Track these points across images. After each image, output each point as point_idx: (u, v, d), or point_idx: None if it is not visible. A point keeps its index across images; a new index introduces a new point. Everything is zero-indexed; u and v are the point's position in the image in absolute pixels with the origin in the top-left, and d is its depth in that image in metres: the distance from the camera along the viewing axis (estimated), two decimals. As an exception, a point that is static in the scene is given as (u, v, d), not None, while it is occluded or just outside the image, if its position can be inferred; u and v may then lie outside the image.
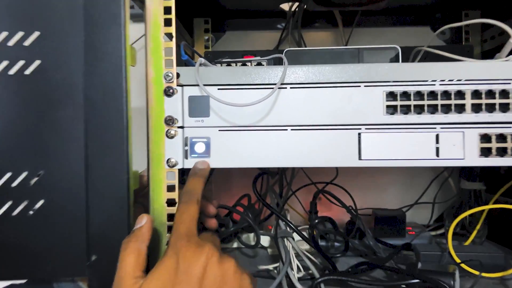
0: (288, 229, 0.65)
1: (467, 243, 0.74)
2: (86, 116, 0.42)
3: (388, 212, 0.77)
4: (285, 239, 0.64)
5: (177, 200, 0.47)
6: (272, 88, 0.46)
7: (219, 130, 0.48)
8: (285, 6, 0.82)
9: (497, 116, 0.47)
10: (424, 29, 0.89)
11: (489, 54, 0.82)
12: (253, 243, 0.75)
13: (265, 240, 0.79)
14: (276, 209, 0.77)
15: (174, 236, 0.39)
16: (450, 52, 0.53)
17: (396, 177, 0.86)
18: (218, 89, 0.48)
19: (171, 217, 0.48)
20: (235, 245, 0.79)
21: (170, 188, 0.47)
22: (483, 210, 0.72)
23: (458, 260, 0.61)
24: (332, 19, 0.84)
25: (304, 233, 0.77)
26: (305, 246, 0.70)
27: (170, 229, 0.48)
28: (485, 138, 0.47)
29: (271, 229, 0.79)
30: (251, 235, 0.77)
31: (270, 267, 0.64)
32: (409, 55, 0.63)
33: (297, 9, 0.80)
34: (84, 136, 0.41)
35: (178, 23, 0.70)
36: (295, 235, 0.65)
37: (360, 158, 0.47)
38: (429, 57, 0.56)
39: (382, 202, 0.84)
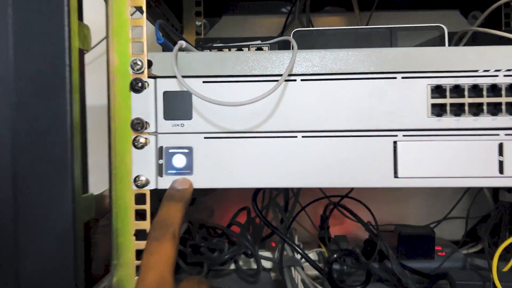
0: (295, 254, 0.53)
1: (506, 268, 0.61)
2: (15, 121, 0.29)
3: (414, 229, 0.65)
4: (292, 268, 0.52)
5: (148, 231, 0.35)
6: (277, 80, 0.34)
7: (205, 138, 0.35)
8: (291, -14, 0.70)
9: None
10: (452, 12, 0.76)
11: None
12: (253, 266, 0.63)
13: (268, 262, 0.67)
14: (280, 229, 0.65)
15: None
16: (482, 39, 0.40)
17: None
18: (204, 82, 0.35)
19: (140, 254, 0.36)
20: (232, 266, 0.67)
21: (140, 215, 0.35)
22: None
23: (506, 295, 0.48)
24: (346, 1, 0.72)
25: (313, 254, 0.65)
26: (315, 271, 0.58)
27: (138, 268, 0.36)
28: None
29: (275, 247, 0.67)
30: (252, 261, 0.64)
31: (274, 302, 0.52)
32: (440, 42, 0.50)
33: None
34: (11, 148, 0.29)
35: (162, 3, 0.57)
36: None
37: (396, 176, 0.35)
38: (477, 43, 0.43)
39: (404, 216, 0.72)
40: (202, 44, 0.67)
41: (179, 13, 0.71)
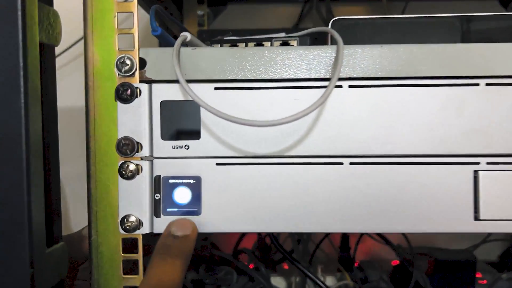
0: (319, 291, 0.44)
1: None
2: None
3: (451, 254, 0.56)
4: (316, 309, 0.43)
5: (141, 290, 0.26)
6: (316, 86, 0.25)
7: (217, 164, 0.26)
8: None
9: None
10: (491, 3, 0.67)
11: None
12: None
13: (280, 280, 0.58)
14: (296, 251, 0.56)
15: None
16: None
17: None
18: (216, 88, 0.26)
19: (132, 318, 0.27)
20: (239, 293, 0.58)
21: (129, 267, 0.26)
22: None
23: None
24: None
25: (332, 279, 0.56)
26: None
27: None
28: None
29: (287, 269, 0.59)
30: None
31: None
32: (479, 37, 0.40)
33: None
34: None
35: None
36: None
37: (477, 218, 0.26)
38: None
39: (433, 237, 0.63)
40: (206, 37, 0.58)
41: (178, 1, 0.61)
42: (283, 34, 0.33)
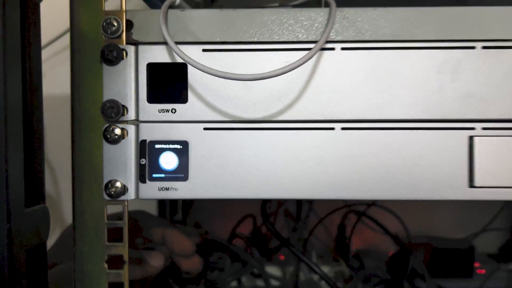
0: (313, 276, 0.44)
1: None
2: None
3: (449, 243, 0.55)
4: (310, 293, 0.42)
5: (125, 257, 0.25)
6: (309, 48, 0.24)
7: (204, 128, 0.25)
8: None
9: None
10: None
11: None
12: (258, 283, 0.54)
13: (275, 270, 0.57)
14: (291, 238, 0.55)
15: None
16: None
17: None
18: (204, 50, 0.25)
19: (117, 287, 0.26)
20: (234, 283, 0.57)
21: (113, 234, 0.26)
22: None
23: None
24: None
25: (328, 268, 0.55)
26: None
27: (113, 310, 0.26)
28: None
29: (284, 260, 0.58)
30: (259, 281, 0.55)
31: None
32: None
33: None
34: None
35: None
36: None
37: (472, 185, 0.25)
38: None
39: (434, 226, 0.62)
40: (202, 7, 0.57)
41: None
42: (277, 4, 0.32)
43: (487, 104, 0.25)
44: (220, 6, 0.37)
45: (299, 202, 0.58)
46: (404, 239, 0.55)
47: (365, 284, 0.51)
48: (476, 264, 0.56)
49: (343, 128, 0.25)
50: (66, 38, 0.58)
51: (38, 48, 0.25)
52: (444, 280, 0.53)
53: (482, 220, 0.61)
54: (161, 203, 0.60)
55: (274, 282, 0.55)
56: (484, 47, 0.25)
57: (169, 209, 0.62)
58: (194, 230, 0.45)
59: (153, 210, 0.59)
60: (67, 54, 0.31)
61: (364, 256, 0.56)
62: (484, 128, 0.25)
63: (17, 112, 0.21)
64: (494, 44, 0.25)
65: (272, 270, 0.56)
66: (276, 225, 0.58)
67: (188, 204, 0.61)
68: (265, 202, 0.45)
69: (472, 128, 0.25)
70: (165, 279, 0.45)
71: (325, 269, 0.55)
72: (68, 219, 0.27)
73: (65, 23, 0.30)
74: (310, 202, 0.58)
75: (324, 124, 0.25)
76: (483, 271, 0.56)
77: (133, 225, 0.34)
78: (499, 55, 0.25)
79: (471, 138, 0.25)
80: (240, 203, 0.60)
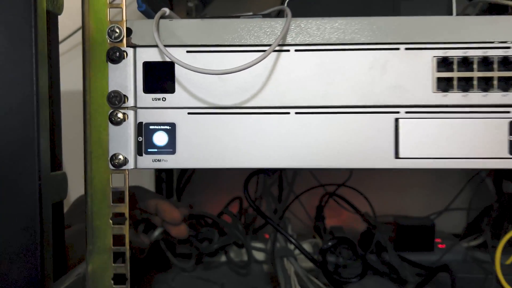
0: (288, 245, 0.51)
1: (509, 261, 0.59)
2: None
3: (413, 220, 0.62)
4: (285, 259, 0.49)
5: (126, 215, 0.32)
6: (269, 48, 0.31)
7: (188, 113, 0.32)
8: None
9: None
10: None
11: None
12: (245, 258, 0.60)
13: (260, 254, 0.64)
14: (273, 219, 0.62)
15: None
16: None
17: (421, 176, 0.70)
18: (188, 51, 0.32)
19: (119, 238, 0.33)
20: (223, 258, 0.64)
21: (117, 197, 0.32)
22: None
23: (508, 288, 0.46)
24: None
25: (308, 245, 0.62)
26: (309, 263, 0.55)
27: (116, 256, 0.33)
28: None
29: (268, 238, 0.64)
30: (243, 251, 0.62)
31: (265, 294, 0.49)
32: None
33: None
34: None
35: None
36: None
37: (397, 157, 0.32)
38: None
39: (403, 207, 0.69)
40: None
41: (169, -8, 0.67)
42: (251, 13, 0.39)
43: (408, 93, 0.32)
44: (206, 14, 0.44)
45: (280, 186, 0.65)
46: (372, 218, 0.62)
47: (337, 257, 0.58)
48: (438, 240, 0.63)
49: (296, 113, 0.32)
50: (71, 41, 0.65)
51: (57, 51, 0.32)
52: (409, 253, 0.60)
53: (444, 201, 0.68)
54: (158, 187, 0.67)
55: (257, 255, 0.62)
56: (407, 49, 0.32)
57: (165, 192, 0.69)
58: (182, 204, 0.51)
59: (150, 193, 0.66)
60: (71, 55, 0.37)
61: (338, 233, 0.62)
62: (407, 112, 0.32)
63: (45, 100, 0.28)
64: (414, 46, 0.32)
65: (258, 246, 0.63)
66: (261, 208, 0.65)
67: (181, 188, 0.68)
68: (247, 184, 0.52)
69: (397, 112, 0.32)
70: (159, 247, 0.52)
71: (304, 245, 0.62)
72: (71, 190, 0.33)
73: (70, 27, 0.36)
74: (290, 186, 0.64)
75: (281, 109, 0.32)
76: (443, 246, 0.63)
77: (131, 197, 0.41)
78: (418, 55, 0.32)
79: (396, 120, 0.32)
80: (229, 188, 0.67)
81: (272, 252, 0.50)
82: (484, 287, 0.50)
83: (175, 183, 0.68)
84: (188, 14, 0.68)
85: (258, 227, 0.66)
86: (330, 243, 0.42)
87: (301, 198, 0.68)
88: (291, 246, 0.52)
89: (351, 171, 0.62)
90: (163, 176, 0.69)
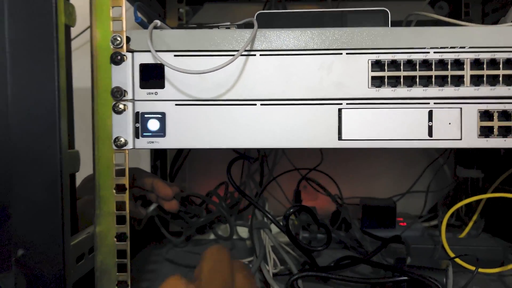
0: (265, 219, 0.59)
1: (462, 235, 0.67)
2: (11, 83, 0.34)
3: (377, 201, 0.71)
4: (261, 231, 0.58)
5: (126, 185, 0.41)
6: (241, 55, 0.39)
7: (176, 104, 0.41)
8: (268, -24, 0.74)
9: (500, 90, 0.40)
10: (421, 3, 0.81)
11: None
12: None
13: (243, 231, 0.73)
14: (253, 197, 0.71)
15: None
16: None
17: (387, 163, 0.79)
18: (175, 55, 0.40)
19: (120, 205, 0.41)
20: (212, 236, 0.73)
21: (119, 172, 0.41)
22: (480, 200, 0.66)
23: (452, 254, 0.54)
24: (320, -9, 0.77)
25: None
26: (285, 238, 0.64)
27: (119, 219, 0.41)
28: (486, 115, 0.40)
29: (251, 218, 0.73)
30: (228, 226, 0.70)
31: (245, 260, 0.58)
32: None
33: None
34: (7, 107, 0.34)
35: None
36: (273, 226, 0.58)
37: (340, 138, 0.40)
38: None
39: (371, 191, 0.78)
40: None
41: (162, 0, 0.75)
42: (228, 23, 0.47)
43: (349, 89, 0.40)
44: (192, 22, 0.52)
45: (261, 172, 0.74)
46: (341, 199, 0.70)
47: (310, 233, 0.66)
48: (400, 219, 0.72)
49: (261, 104, 0.40)
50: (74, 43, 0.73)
51: (70, 55, 0.40)
52: (374, 230, 0.68)
53: (407, 185, 0.76)
54: (153, 172, 0.75)
55: (241, 233, 0.71)
56: (348, 53, 0.40)
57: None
58: (174, 183, 0.60)
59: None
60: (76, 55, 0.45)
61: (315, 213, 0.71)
62: (348, 104, 0.40)
63: (64, 93, 0.36)
64: (353, 51, 0.40)
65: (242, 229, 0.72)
66: (246, 192, 0.73)
67: (174, 175, 0.76)
68: (230, 165, 0.60)
69: (340, 104, 0.40)
70: (155, 224, 0.60)
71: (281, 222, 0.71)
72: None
73: (74, 31, 0.43)
74: (271, 171, 0.73)
75: (249, 102, 0.40)
76: (405, 224, 0.71)
77: (131, 176, 0.49)
78: (356, 58, 0.40)
79: (339, 110, 0.40)
80: (216, 175, 0.75)
81: (251, 225, 0.59)
82: (433, 254, 0.58)
83: (168, 170, 0.76)
84: (180, 20, 0.76)
85: (242, 208, 0.74)
86: (292, 210, 0.50)
87: (282, 184, 0.77)
88: (267, 220, 0.60)
89: (321, 156, 0.71)
90: (158, 164, 0.77)
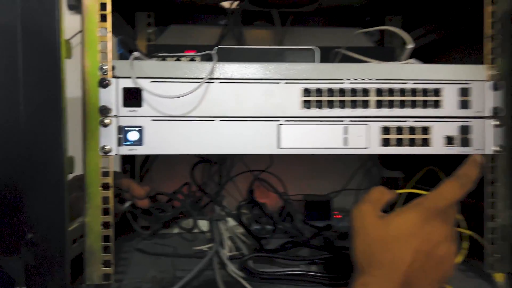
0: (222, 212, 0.71)
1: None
2: (28, 99, 0.44)
3: (317, 197, 0.85)
4: (219, 222, 0.70)
5: (111, 184, 0.51)
6: (204, 81, 0.51)
7: (151, 120, 0.52)
8: (226, 4, 0.86)
9: (396, 111, 0.54)
10: (355, 30, 0.96)
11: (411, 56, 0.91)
12: (194, 231, 0.80)
13: (204, 225, 0.84)
14: (213, 195, 0.82)
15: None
16: (375, 53, 0.60)
17: (326, 166, 0.93)
18: (151, 81, 0.51)
19: (105, 200, 0.51)
20: (176, 230, 0.84)
21: (105, 173, 0.51)
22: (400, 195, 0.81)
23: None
24: (271, 18, 0.90)
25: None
26: (240, 229, 0.76)
27: (104, 210, 0.51)
28: (386, 130, 0.54)
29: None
30: (191, 220, 0.81)
31: (205, 247, 0.69)
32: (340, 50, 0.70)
33: (237, 7, 0.85)
34: (23, 124, 0.44)
35: (118, 16, 0.72)
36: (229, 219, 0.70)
37: (279, 147, 0.53)
38: (348, 57, 0.63)
39: (313, 189, 0.91)
40: (153, 50, 0.82)
41: (132, 23, 0.85)
42: (192, 53, 0.59)
43: (286, 109, 0.53)
44: (160, 43, 0.62)
45: (220, 174, 0.85)
46: (287, 196, 0.83)
47: (260, 225, 0.78)
48: (336, 212, 0.86)
49: (220, 120, 0.52)
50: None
51: (64, 77, 0.50)
52: (315, 221, 0.82)
53: (341, 183, 0.91)
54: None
55: (203, 227, 0.82)
56: (285, 83, 0.53)
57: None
58: (146, 184, 0.70)
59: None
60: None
61: (265, 208, 0.83)
62: (285, 121, 0.53)
63: (64, 112, 0.46)
64: (289, 81, 0.53)
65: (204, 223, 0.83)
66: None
67: (142, 177, 0.86)
68: (193, 167, 0.71)
69: (279, 120, 0.53)
70: (127, 219, 0.70)
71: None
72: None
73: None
74: (228, 173, 0.85)
75: (210, 118, 0.52)
76: (340, 216, 0.86)
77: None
78: (291, 86, 0.53)
79: (279, 125, 0.53)
80: (180, 178, 0.85)
81: (211, 218, 0.70)
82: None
83: (139, 172, 0.86)
84: (149, 40, 0.86)
85: (203, 205, 0.85)
86: (243, 202, 0.63)
87: (237, 184, 0.89)
88: (224, 214, 0.72)
89: (271, 161, 0.83)
90: (127, 168, 0.87)
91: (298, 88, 0.53)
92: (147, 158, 0.85)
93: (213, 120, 0.52)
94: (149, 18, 0.86)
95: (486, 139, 0.55)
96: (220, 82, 0.52)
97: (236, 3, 0.85)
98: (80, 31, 0.50)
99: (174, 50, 0.63)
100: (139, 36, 0.86)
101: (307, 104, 0.53)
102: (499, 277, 0.58)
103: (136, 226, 0.72)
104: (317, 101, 0.53)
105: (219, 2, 0.85)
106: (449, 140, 0.55)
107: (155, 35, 0.89)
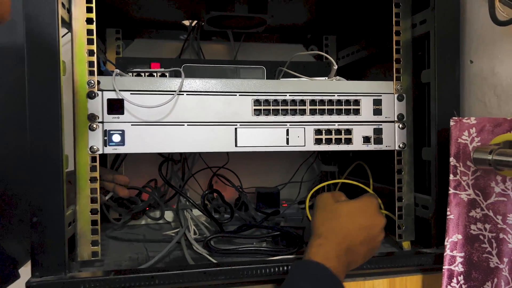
0: (187, 203, 0.83)
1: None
2: (29, 114, 0.54)
3: (267, 189, 1.00)
4: (185, 211, 0.82)
5: (98, 178, 0.62)
6: (173, 94, 0.63)
7: (131, 125, 0.63)
8: (186, 22, 0.99)
9: (326, 117, 0.70)
10: (298, 46, 1.12)
11: (343, 69, 1.07)
12: (161, 222, 0.92)
13: (169, 217, 0.95)
14: (178, 188, 0.94)
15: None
16: (314, 67, 0.75)
17: (275, 162, 1.08)
18: (131, 93, 0.63)
19: (92, 191, 0.62)
20: (143, 222, 0.95)
21: (93, 168, 0.62)
22: (337, 185, 0.98)
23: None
24: (226, 35, 1.03)
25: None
26: (203, 218, 0.89)
27: (92, 200, 0.62)
28: (318, 132, 0.70)
29: (175, 208, 0.96)
30: (158, 212, 0.92)
31: (172, 232, 0.81)
32: (283, 67, 0.85)
33: (196, 25, 0.98)
34: (29, 129, 0.54)
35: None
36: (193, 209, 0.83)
37: (236, 146, 0.67)
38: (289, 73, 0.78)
39: (264, 182, 1.06)
40: (121, 61, 0.93)
41: (103, 38, 0.95)
42: (163, 69, 0.71)
43: (241, 116, 0.67)
44: (126, 55, 0.74)
45: (183, 170, 0.98)
46: (242, 189, 0.97)
47: (219, 213, 0.92)
48: (283, 201, 1.02)
49: (188, 125, 0.65)
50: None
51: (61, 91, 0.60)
52: (266, 209, 0.96)
53: (288, 177, 1.07)
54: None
55: (168, 218, 0.94)
56: (240, 95, 0.67)
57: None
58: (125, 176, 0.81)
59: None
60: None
61: (223, 200, 0.96)
62: (240, 125, 0.67)
63: (62, 118, 0.56)
64: (243, 94, 0.67)
65: (167, 213, 0.95)
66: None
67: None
68: (161, 165, 0.83)
69: (236, 125, 0.67)
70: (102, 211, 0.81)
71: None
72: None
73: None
74: (190, 169, 0.97)
75: (180, 123, 0.65)
76: (286, 205, 1.01)
77: None
78: (245, 98, 0.67)
79: (236, 129, 0.67)
80: (147, 175, 0.96)
81: (177, 207, 0.82)
82: (302, 221, 0.88)
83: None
84: (117, 53, 0.96)
85: (168, 198, 0.97)
86: (207, 192, 0.76)
87: (200, 180, 1.01)
88: (188, 204, 0.84)
89: (228, 158, 0.97)
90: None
91: (250, 99, 0.67)
92: (117, 157, 0.95)
93: (182, 125, 0.65)
94: (117, 34, 0.96)
95: (394, 138, 0.73)
96: (187, 94, 0.65)
97: (195, 22, 0.97)
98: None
99: (140, 63, 0.75)
100: (109, 49, 0.96)
101: (257, 112, 0.67)
102: (406, 245, 0.75)
103: (110, 218, 0.82)
104: (265, 109, 0.68)
105: (179, 21, 0.97)
106: (367, 139, 0.71)
107: (122, 47, 0.99)
